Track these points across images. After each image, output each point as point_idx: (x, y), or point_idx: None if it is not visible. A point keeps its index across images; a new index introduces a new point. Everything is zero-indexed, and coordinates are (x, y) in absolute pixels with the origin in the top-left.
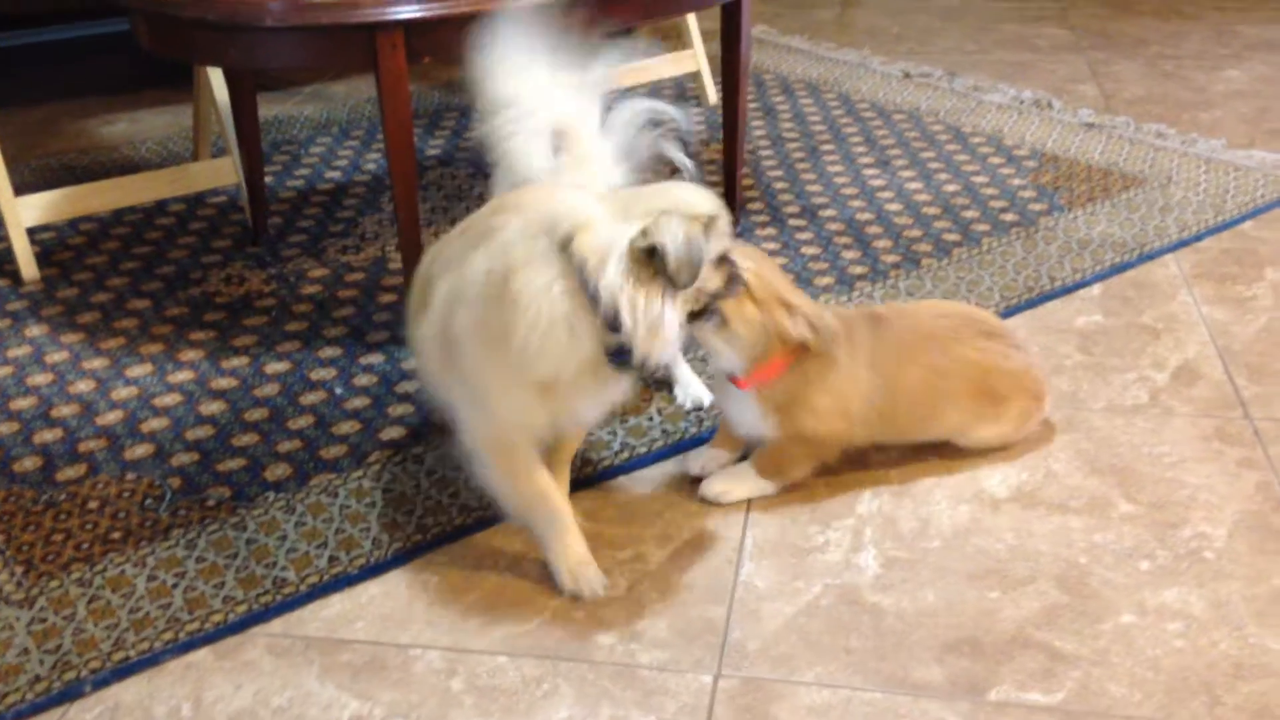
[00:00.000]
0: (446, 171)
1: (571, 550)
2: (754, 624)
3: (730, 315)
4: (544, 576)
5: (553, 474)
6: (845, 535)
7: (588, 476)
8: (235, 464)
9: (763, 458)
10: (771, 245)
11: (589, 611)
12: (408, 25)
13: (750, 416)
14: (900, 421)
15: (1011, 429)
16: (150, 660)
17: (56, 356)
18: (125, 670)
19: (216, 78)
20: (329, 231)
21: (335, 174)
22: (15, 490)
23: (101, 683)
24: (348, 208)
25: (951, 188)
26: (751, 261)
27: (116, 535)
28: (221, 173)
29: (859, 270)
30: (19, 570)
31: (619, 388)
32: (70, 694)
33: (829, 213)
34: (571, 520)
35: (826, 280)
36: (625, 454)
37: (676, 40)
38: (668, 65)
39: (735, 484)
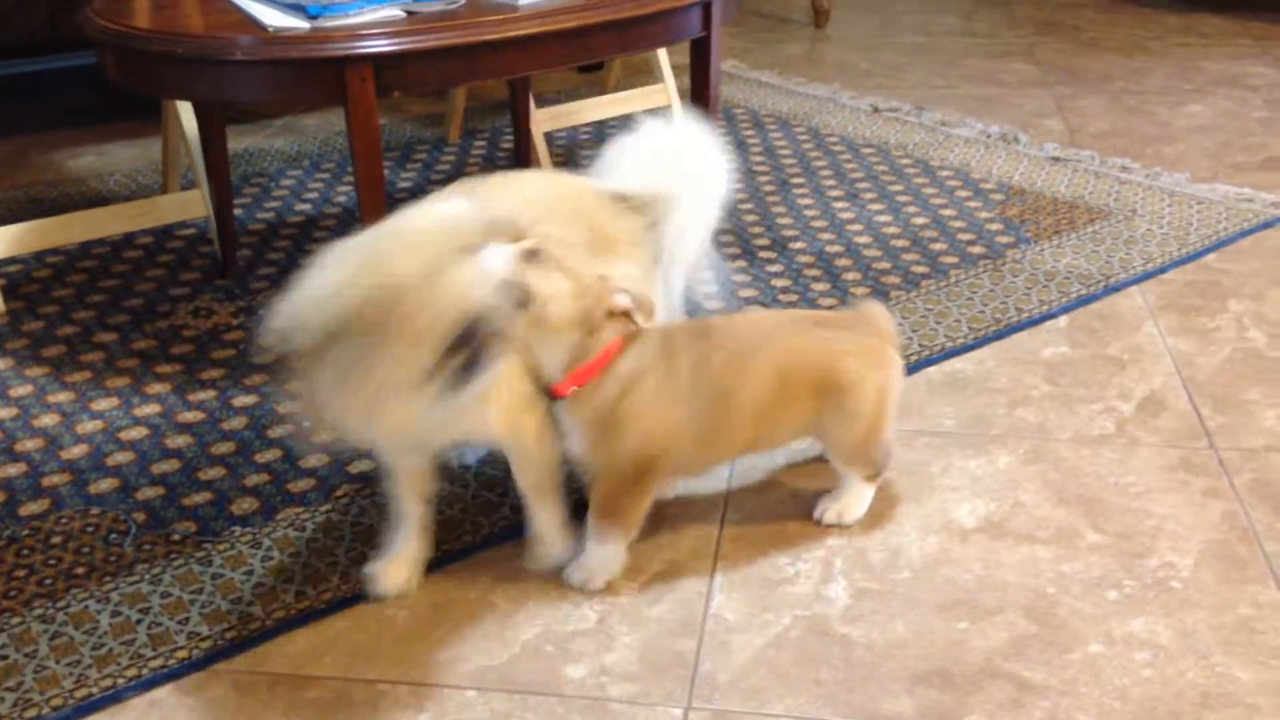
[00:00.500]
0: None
1: (389, 558)
2: (724, 656)
3: (541, 296)
4: (514, 609)
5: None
6: (815, 566)
7: None
8: (201, 498)
9: (598, 498)
10: (742, 278)
11: (558, 645)
12: (377, 59)
13: (571, 433)
14: (746, 430)
15: (872, 408)
16: (113, 698)
17: (20, 390)
18: (88, 708)
19: (185, 110)
20: (299, 264)
21: (305, 207)
22: None
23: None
24: (318, 240)
25: (920, 220)
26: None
27: (80, 570)
28: (190, 205)
29: (828, 302)
30: None
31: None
32: None
33: (799, 245)
34: (408, 538)
35: None
36: None
37: (647, 75)
38: (638, 99)
39: (583, 564)
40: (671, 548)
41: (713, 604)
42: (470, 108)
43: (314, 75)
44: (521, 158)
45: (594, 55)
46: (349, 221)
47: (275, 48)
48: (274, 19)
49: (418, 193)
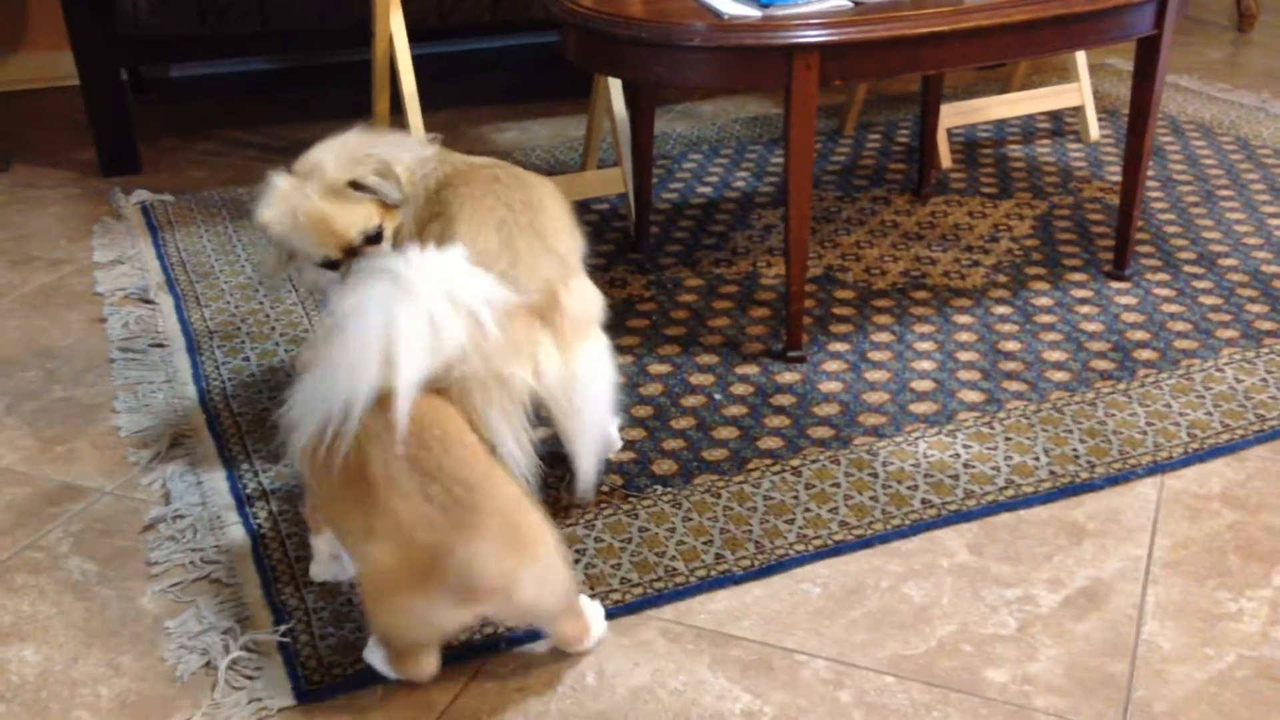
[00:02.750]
0: (813, 193)
1: None
2: (1160, 685)
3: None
4: (927, 603)
5: None
6: (1261, 606)
7: (970, 509)
8: (625, 456)
9: None
10: (1165, 291)
11: (977, 646)
12: (824, 48)
13: None
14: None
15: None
16: None
17: None
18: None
19: (615, 93)
20: (702, 244)
21: (706, 189)
22: None
23: (515, 641)
24: (719, 222)
25: None
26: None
27: None
28: (611, 182)
29: (1267, 325)
30: None
31: None
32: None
33: (1229, 261)
34: None
35: (1230, 334)
36: (1010, 491)
37: (1050, 73)
38: (1047, 99)
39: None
40: (1095, 564)
41: (1145, 630)
42: (866, 100)
43: (762, 62)
44: (925, 153)
45: (1040, 51)
46: (748, 206)
47: (730, 34)
48: (729, 6)
49: (813, 182)
